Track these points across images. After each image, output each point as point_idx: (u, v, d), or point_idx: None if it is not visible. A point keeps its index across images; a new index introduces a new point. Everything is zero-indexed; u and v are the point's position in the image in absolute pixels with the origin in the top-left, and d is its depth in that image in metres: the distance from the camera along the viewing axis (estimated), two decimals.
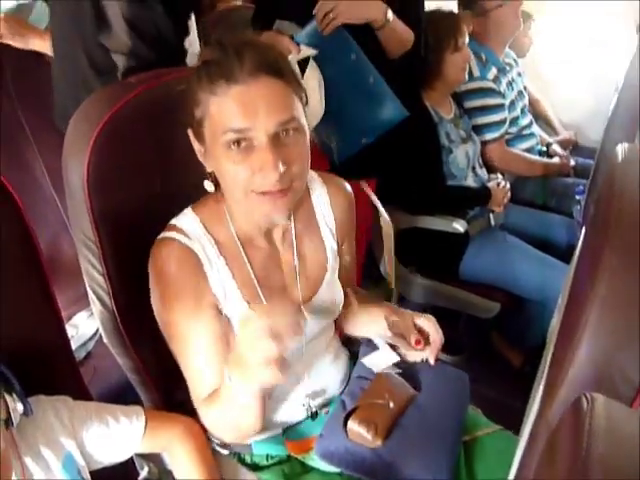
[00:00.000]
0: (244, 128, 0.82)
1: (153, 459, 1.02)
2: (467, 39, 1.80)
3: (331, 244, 1.08)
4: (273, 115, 0.82)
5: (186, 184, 0.98)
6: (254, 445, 1.05)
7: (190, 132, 0.92)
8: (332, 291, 1.08)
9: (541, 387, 0.80)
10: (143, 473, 1.05)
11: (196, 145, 0.92)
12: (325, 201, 1.08)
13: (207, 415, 0.93)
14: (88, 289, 1.03)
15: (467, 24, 1.80)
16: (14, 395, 0.71)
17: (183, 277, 0.91)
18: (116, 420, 0.84)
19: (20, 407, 0.71)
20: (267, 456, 1.04)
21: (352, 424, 0.98)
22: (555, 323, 1.01)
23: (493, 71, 2.04)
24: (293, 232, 1.03)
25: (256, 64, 0.82)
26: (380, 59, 1.45)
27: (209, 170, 0.92)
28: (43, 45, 1.54)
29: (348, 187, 1.12)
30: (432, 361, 0.99)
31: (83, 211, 0.93)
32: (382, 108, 1.46)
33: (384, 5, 1.40)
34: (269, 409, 1.02)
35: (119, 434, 0.83)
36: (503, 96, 2.05)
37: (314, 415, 1.06)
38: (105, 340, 1.07)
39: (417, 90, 1.81)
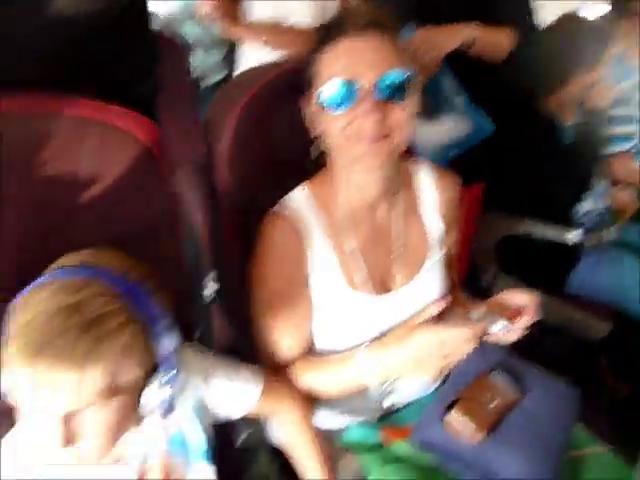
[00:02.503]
0: (348, 77, 0.86)
1: (253, 423, 1.06)
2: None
3: (435, 231, 1.08)
4: (378, 67, 0.86)
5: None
6: (348, 429, 1.06)
7: (303, 100, 0.96)
8: (431, 279, 1.07)
9: None
10: (242, 437, 1.09)
11: (307, 110, 0.96)
12: (432, 188, 1.09)
13: (302, 376, 0.97)
14: None
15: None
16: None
17: (282, 249, 0.97)
18: (238, 375, 0.88)
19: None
20: (360, 442, 1.04)
21: (453, 416, 0.96)
22: None
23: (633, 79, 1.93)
24: (398, 212, 1.04)
25: (365, 22, 0.86)
26: (472, 72, 1.45)
27: (316, 134, 0.96)
28: None
29: (456, 179, 1.12)
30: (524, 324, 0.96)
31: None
32: (468, 123, 1.51)
33: (467, 27, 1.41)
34: (364, 396, 1.03)
35: (239, 390, 0.86)
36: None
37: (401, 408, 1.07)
38: None
39: (529, 94, 1.75)
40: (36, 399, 0.59)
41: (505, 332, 0.96)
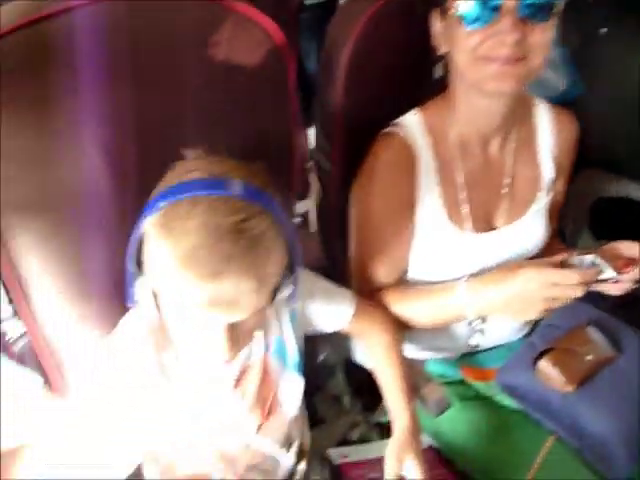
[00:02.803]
0: None
1: (334, 343, 1.08)
2: None
3: (547, 172, 1.03)
4: None
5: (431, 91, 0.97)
6: (429, 363, 1.06)
7: (434, 13, 0.90)
8: (535, 223, 1.03)
9: None
10: (322, 355, 1.11)
11: (436, 25, 0.90)
12: (549, 127, 1.02)
13: (394, 304, 0.96)
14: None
15: None
16: None
17: (394, 170, 0.93)
18: (334, 293, 0.87)
19: None
20: (441, 376, 1.04)
21: (545, 364, 0.93)
22: None
23: None
24: (511, 148, 0.99)
25: None
26: None
27: (443, 51, 0.90)
28: None
29: (574, 120, 1.05)
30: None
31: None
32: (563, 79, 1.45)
33: None
34: (451, 332, 1.02)
35: (334, 308, 0.86)
36: None
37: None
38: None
39: None
40: (209, 314, 0.60)
41: (612, 283, 0.91)
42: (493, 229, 1.00)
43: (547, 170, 1.03)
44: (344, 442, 1.04)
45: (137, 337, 0.71)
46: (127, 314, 0.73)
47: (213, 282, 0.58)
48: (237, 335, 0.64)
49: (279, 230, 0.63)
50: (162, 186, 0.63)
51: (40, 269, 0.74)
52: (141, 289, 0.65)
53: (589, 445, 0.91)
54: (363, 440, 1.06)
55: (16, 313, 0.81)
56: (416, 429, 0.78)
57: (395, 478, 0.71)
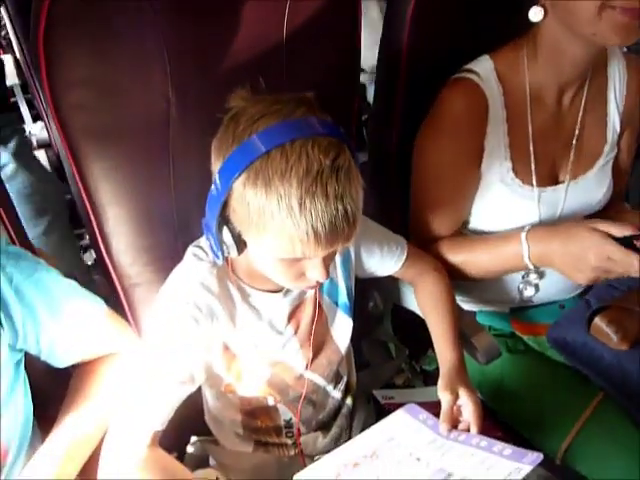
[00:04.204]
0: None
1: (383, 291, 1.09)
2: None
3: (615, 125, 0.99)
4: None
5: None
6: (479, 315, 1.06)
7: None
8: (599, 180, 0.99)
9: None
10: (370, 304, 1.13)
11: None
12: (621, 77, 0.98)
13: (451, 253, 0.95)
14: None
15: None
16: None
17: (467, 117, 0.91)
18: (388, 238, 0.88)
19: None
20: (490, 327, 1.04)
21: (600, 320, 0.92)
22: None
23: None
24: (583, 100, 0.95)
25: None
26: None
27: None
28: None
29: None
30: None
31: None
32: None
33: None
34: (505, 284, 1.01)
35: (387, 252, 0.87)
36: None
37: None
38: None
39: None
40: (315, 250, 0.63)
41: None
42: (557, 183, 0.97)
43: (615, 122, 0.99)
44: (389, 386, 1.06)
45: (199, 275, 0.73)
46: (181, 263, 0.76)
47: (325, 226, 0.60)
48: (327, 260, 0.67)
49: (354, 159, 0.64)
50: (236, 140, 0.62)
51: (112, 197, 0.78)
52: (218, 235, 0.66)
53: (638, 404, 0.90)
54: (407, 386, 1.08)
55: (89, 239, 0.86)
56: (463, 367, 0.79)
57: (451, 409, 0.72)
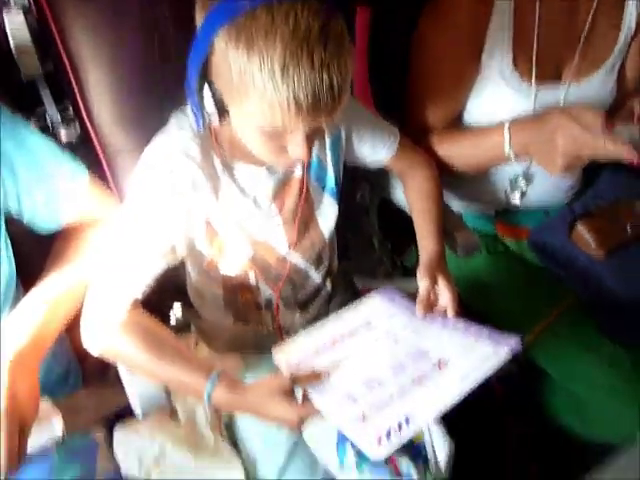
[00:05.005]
0: None
1: (372, 184, 1.08)
2: None
3: (630, 25, 0.94)
4: None
5: None
6: (464, 215, 1.06)
7: None
8: (604, 83, 0.97)
9: None
10: (357, 196, 1.12)
11: None
12: None
13: (441, 144, 0.95)
14: None
15: None
16: None
17: (472, 2, 0.87)
18: (380, 125, 0.86)
19: None
20: (475, 228, 1.05)
21: (581, 226, 0.94)
22: None
23: None
24: None
25: None
26: None
27: None
28: None
29: None
30: None
31: None
32: None
33: None
34: (493, 185, 1.01)
35: (378, 139, 0.85)
36: None
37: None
38: None
39: None
40: (298, 121, 0.59)
41: None
42: (558, 83, 0.94)
43: (632, 22, 0.94)
44: (369, 278, 1.09)
45: (182, 143, 0.71)
46: (162, 130, 0.73)
47: (308, 96, 0.57)
48: (312, 139, 0.65)
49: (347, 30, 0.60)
50: None
51: (94, 60, 0.74)
52: (200, 99, 0.64)
53: (607, 310, 0.94)
54: (387, 278, 1.11)
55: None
56: (443, 258, 0.80)
57: (428, 294, 0.74)
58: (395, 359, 0.67)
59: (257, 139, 0.65)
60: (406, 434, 0.56)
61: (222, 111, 0.64)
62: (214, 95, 0.63)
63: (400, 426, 0.57)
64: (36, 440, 0.73)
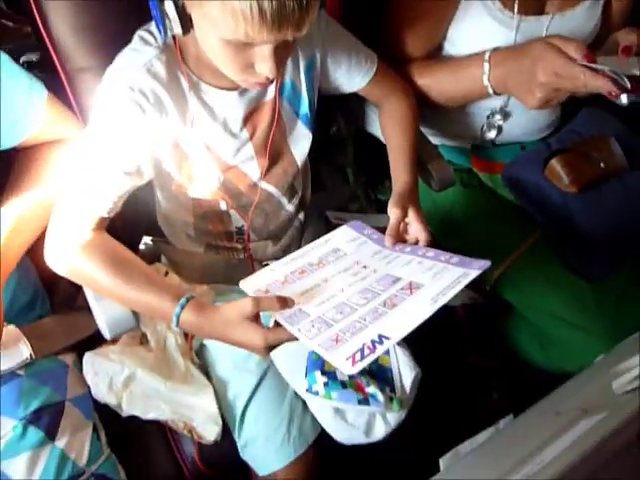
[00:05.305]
0: None
1: (347, 116, 1.05)
2: None
3: None
4: None
5: None
6: (440, 148, 1.05)
7: None
8: (589, 15, 0.94)
9: None
10: (333, 128, 1.10)
11: None
12: None
13: (420, 75, 0.92)
14: None
15: None
16: None
17: None
18: (357, 51, 0.82)
19: None
20: (449, 162, 1.04)
21: (555, 162, 0.93)
22: None
23: None
24: None
25: None
26: None
27: None
28: None
29: None
30: None
31: None
32: None
33: None
34: (471, 119, 0.99)
35: (357, 63, 0.82)
36: None
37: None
38: None
39: None
40: (265, 34, 0.56)
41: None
42: (542, 14, 0.91)
43: None
44: (342, 210, 1.08)
45: (145, 59, 0.67)
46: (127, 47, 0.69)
47: (272, 3, 0.53)
48: (281, 56, 0.61)
49: None
50: None
51: None
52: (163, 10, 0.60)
53: (575, 245, 0.95)
54: (361, 212, 1.10)
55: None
56: (416, 190, 0.80)
57: (398, 224, 0.74)
58: (366, 286, 0.67)
59: (222, 53, 0.61)
60: (380, 350, 0.57)
61: (185, 20, 0.60)
62: (175, 2, 0.59)
63: (374, 344, 0.57)
64: (3, 364, 0.73)
